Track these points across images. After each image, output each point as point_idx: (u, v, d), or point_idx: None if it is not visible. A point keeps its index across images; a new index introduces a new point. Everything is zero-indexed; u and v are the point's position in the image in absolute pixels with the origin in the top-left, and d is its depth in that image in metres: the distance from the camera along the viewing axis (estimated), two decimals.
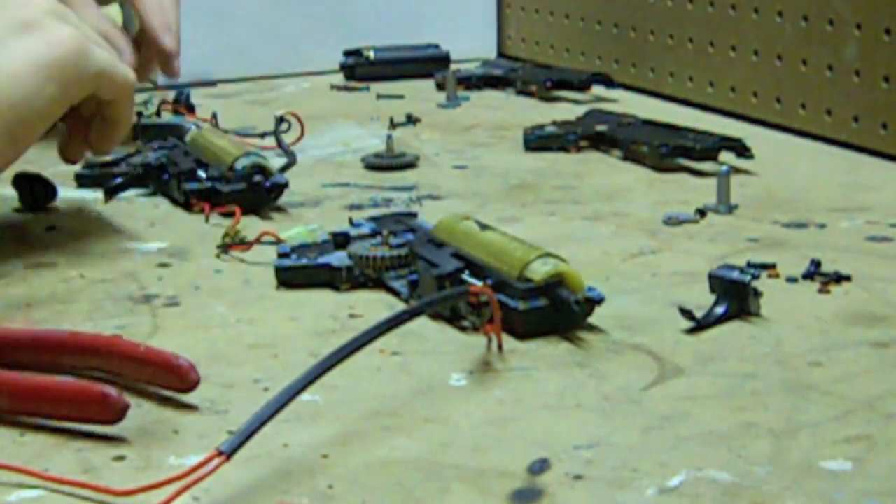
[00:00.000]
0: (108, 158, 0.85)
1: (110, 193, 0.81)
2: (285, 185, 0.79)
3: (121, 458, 0.46)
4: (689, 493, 0.43)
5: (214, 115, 1.00)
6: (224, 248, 0.70)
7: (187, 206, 0.79)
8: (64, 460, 0.46)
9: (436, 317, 0.60)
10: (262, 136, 0.97)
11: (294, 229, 0.69)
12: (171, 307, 0.63)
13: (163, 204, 0.81)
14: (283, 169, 0.83)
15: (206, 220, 0.76)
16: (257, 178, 0.77)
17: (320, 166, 0.91)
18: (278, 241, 0.68)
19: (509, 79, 1.21)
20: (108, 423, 0.48)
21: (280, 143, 0.91)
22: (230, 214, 0.75)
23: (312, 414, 0.50)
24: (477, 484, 0.44)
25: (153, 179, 0.82)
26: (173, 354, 0.51)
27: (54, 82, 0.67)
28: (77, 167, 0.84)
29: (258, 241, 0.69)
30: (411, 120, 1.06)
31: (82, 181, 0.85)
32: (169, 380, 0.51)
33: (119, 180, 0.81)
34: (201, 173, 0.79)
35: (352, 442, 0.48)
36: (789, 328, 0.58)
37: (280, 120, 0.92)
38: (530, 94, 1.18)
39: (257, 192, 0.78)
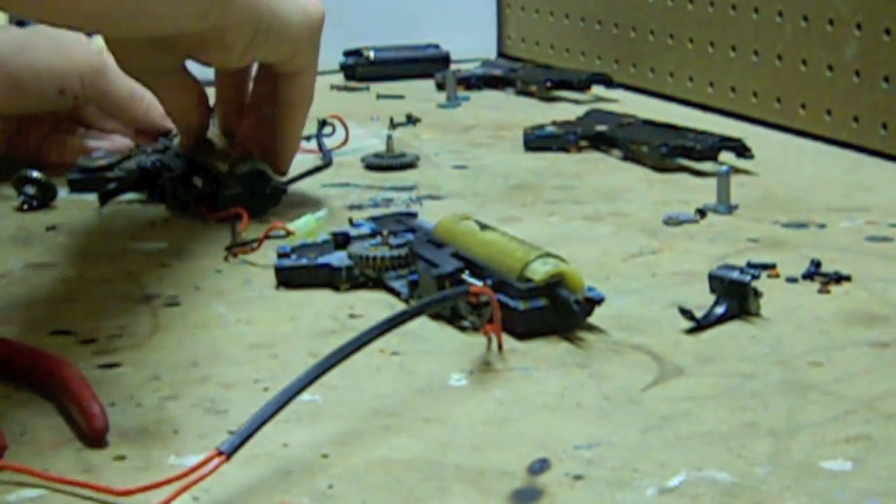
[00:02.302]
0: (101, 163, 0.85)
1: (105, 198, 0.80)
2: (284, 190, 0.79)
3: (121, 457, 0.46)
4: (689, 493, 0.43)
5: None
6: (232, 249, 0.70)
7: (184, 211, 0.79)
8: (64, 460, 0.46)
9: (436, 317, 0.60)
10: (308, 139, 0.91)
11: (300, 219, 0.70)
12: (171, 307, 0.63)
13: (162, 205, 0.81)
14: (318, 170, 0.83)
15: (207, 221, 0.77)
16: (257, 183, 0.77)
17: None
18: (288, 233, 0.69)
19: (509, 79, 1.21)
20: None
21: (321, 147, 0.89)
22: (228, 219, 0.75)
23: (312, 414, 0.50)
24: (477, 484, 0.44)
25: (148, 184, 0.81)
26: (91, 397, 0.49)
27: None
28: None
29: (267, 235, 0.69)
30: (411, 120, 1.06)
31: (75, 186, 0.84)
32: (82, 421, 0.49)
33: (114, 185, 0.81)
34: (196, 179, 0.79)
35: (352, 442, 0.48)
36: (789, 328, 0.58)
37: (322, 124, 0.91)
38: (530, 94, 1.18)
39: (257, 198, 0.77)
